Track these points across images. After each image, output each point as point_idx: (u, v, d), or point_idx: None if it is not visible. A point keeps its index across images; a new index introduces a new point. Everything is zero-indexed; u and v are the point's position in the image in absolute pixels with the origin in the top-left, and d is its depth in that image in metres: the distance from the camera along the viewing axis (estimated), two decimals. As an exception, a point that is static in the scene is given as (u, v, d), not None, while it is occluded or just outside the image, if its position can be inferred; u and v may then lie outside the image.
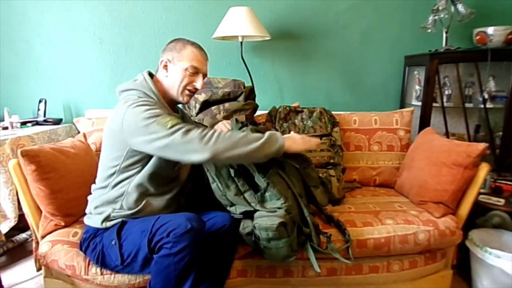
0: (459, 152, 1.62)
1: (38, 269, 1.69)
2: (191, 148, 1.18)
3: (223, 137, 1.20)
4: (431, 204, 1.66)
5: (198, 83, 1.37)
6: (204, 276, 1.35)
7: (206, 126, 1.72)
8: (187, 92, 1.37)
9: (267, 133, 1.28)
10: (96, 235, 1.34)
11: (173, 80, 1.35)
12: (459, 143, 1.71)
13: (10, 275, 1.86)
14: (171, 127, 1.18)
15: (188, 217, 1.20)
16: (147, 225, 1.21)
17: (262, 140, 1.25)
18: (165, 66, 1.36)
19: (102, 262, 1.33)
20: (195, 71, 1.35)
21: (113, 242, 1.28)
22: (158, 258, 1.19)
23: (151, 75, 1.40)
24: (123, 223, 1.31)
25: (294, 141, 1.37)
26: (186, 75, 1.34)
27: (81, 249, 1.39)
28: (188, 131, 1.19)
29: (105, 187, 1.34)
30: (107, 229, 1.32)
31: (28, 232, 2.14)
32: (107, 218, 1.32)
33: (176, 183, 1.43)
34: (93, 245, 1.34)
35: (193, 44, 1.38)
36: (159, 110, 1.24)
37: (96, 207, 1.36)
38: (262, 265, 1.55)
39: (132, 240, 1.25)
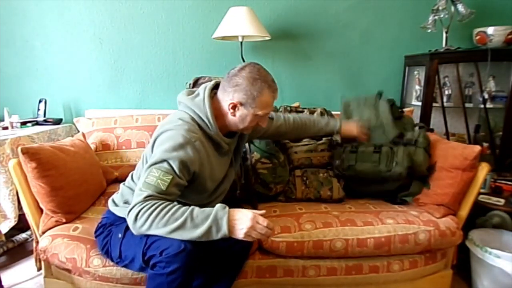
0: (455, 156, 1.61)
1: (38, 269, 1.69)
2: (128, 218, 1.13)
3: (157, 224, 1.09)
4: (431, 205, 1.66)
5: (265, 123, 1.31)
6: (212, 280, 1.36)
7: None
8: (251, 128, 1.32)
9: (208, 223, 1.09)
10: (113, 224, 1.33)
11: (240, 121, 1.26)
12: (455, 146, 1.69)
13: (10, 275, 1.86)
14: (146, 189, 1.11)
15: None
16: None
17: (199, 232, 1.09)
18: (234, 107, 1.24)
19: (106, 251, 1.33)
20: (266, 115, 1.29)
21: (119, 235, 1.27)
22: (152, 274, 1.16)
23: (216, 86, 1.30)
24: None
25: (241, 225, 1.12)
26: (256, 119, 1.27)
27: (95, 233, 1.38)
28: (142, 202, 1.10)
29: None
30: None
31: (28, 232, 2.14)
32: None
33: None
34: (107, 232, 1.33)
35: (270, 86, 1.23)
36: (177, 163, 1.14)
37: (125, 202, 1.34)
38: (262, 265, 1.55)
39: (131, 243, 1.23)
